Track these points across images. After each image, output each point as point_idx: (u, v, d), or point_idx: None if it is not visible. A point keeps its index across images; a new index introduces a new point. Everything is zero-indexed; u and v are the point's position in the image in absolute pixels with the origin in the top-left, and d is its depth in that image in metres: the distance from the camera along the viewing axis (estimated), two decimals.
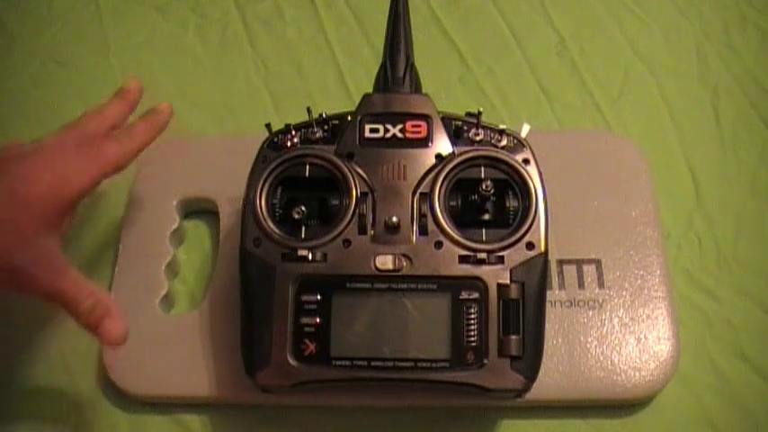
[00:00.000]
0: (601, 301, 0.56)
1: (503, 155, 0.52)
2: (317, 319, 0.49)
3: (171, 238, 0.59)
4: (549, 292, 0.55)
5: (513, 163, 0.52)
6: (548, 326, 0.53)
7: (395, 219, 0.50)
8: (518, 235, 0.50)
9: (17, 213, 0.46)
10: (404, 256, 0.49)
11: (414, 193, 0.51)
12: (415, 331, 0.48)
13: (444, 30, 0.72)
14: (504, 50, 0.71)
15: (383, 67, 0.55)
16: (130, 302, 0.56)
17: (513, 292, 0.49)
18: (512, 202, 0.51)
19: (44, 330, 0.57)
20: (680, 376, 0.54)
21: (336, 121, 0.53)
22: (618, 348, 0.54)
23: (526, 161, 0.52)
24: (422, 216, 0.50)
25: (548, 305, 0.54)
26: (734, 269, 0.59)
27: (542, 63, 0.70)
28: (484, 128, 0.53)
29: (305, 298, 0.49)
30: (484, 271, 0.49)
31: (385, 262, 0.49)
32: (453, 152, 0.51)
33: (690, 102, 0.68)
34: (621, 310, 0.55)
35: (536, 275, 0.49)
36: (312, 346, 0.48)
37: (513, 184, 0.52)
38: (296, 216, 0.50)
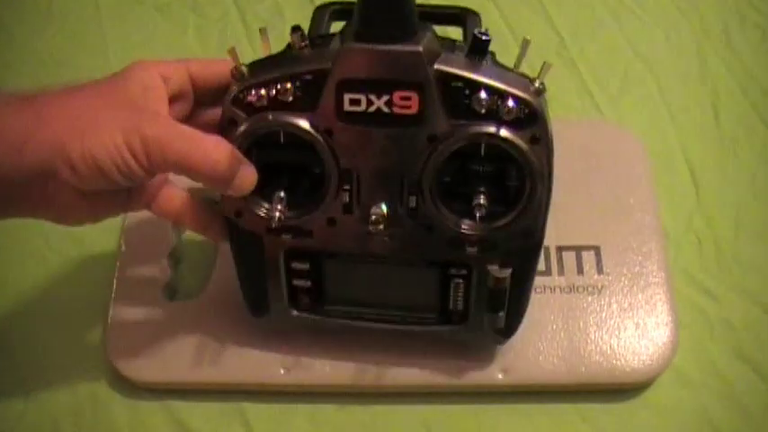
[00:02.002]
0: (600, 286, 0.56)
1: (511, 136, 0.43)
2: (309, 282, 0.50)
3: (174, 225, 0.59)
4: (548, 278, 0.56)
5: (520, 145, 0.43)
6: (547, 311, 0.55)
7: (383, 207, 0.45)
8: (516, 222, 0.45)
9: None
10: (391, 237, 0.47)
11: (402, 176, 0.45)
12: (403, 294, 0.51)
13: (444, 30, 0.72)
14: (505, 50, 0.71)
15: None
16: (134, 290, 0.56)
17: (503, 281, 0.47)
18: (513, 183, 0.45)
19: (48, 318, 0.57)
20: (679, 375, 0.54)
21: (309, 77, 0.42)
22: (617, 333, 0.54)
23: (535, 139, 0.43)
24: (411, 200, 0.45)
25: (547, 291, 0.56)
26: (734, 269, 0.59)
27: (542, 63, 0.70)
28: (490, 90, 0.42)
29: (295, 265, 0.50)
30: (474, 257, 0.47)
31: (372, 245, 0.47)
32: (450, 132, 0.43)
33: (690, 102, 0.68)
34: (620, 296, 0.56)
35: (528, 264, 0.48)
36: (307, 299, 0.51)
37: (516, 166, 0.44)
38: (277, 192, 0.46)
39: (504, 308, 0.48)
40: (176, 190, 0.48)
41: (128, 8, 0.75)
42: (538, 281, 0.56)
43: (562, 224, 0.58)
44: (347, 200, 0.46)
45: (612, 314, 0.55)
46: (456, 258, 0.48)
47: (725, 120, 0.66)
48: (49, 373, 0.55)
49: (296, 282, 0.51)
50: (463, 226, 0.46)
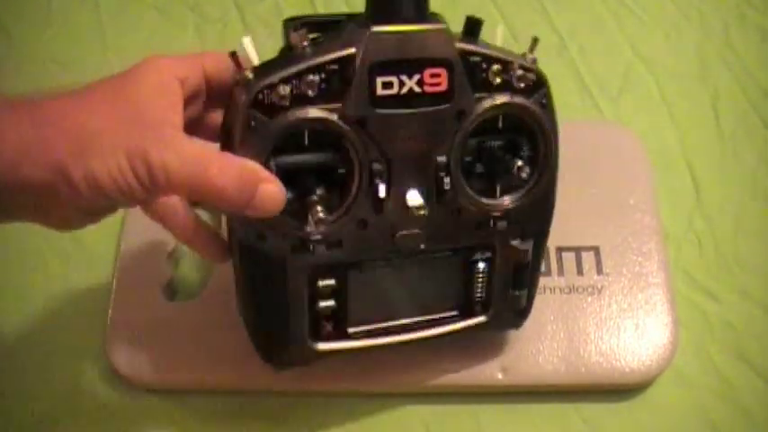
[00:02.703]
0: (599, 287, 0.56)
1: (525, 103, 0.45)
2: (333, 302, 0.47)
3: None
4: (548, 279, 0.56)
5: (535, 110, 0.45)
6: (547, 312, 0.55)
7: (417, 200, 0.44)
8: (537, 188, 0.47)
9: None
10: (422, 229, 0.46)
11: (434, 161, 0.44)
12: (427, 294, 0.50)
13: None
14: None
15: None
16: (133, 290, 0.56)
17: (526, 254, 0.48)
18: (526, 153, 0.46)
19: (48, 318, 0.57)
20: (679, 375, 0.55)
21: (335, 66, 0.41)
22: (616, 334, 0.54)
23: (543, 105, 0.46)
24: (441, 185, 0.45)
25: (547, 291, 0.56)
26: (734, 269, 0.59)
27: (542, 63, 0.70)
28: (501, 62, 0.44)
29: (321, 284, 0.46)
30: (502, 232, 0.48)
31: (405, 241, 0.45)
32: (474, 107, 0.44)
33: (690, 102, 0.68)
34: (620, 296, 0.56)
35: (544, 236, 0.50)
36: (329, 326, 0.48)
37: (528, 134, 0.46)
38: (304, 199, 0.43)
39: (528, 284, 0.50)
40: (181, 204, 0.45)
41: (127, 8, 0.75)
42: None
43: (562, 224, 0.57)
44: (382, 194, 0.43)
45: (612, 314, 0.55)
46: (482, 241, 0.48)
47: (725, 120, 0.66)
48: (48, 373, 0.55)
49: (321, 305, 0.47)
50: (487, 203, 0.46)
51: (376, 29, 0.41)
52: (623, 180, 0.61)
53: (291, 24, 0.45)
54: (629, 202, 0.60)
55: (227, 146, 0.42)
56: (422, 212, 0.44)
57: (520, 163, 0.45)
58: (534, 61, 0.45)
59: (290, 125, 0.41)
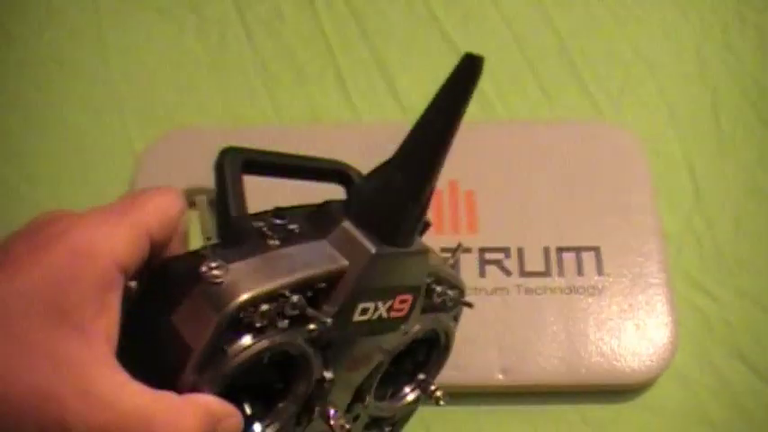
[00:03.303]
0: (600, 287, 0.56)
1: (448, 323, 0.43)
2: None
3: None
4: (548, 279, 0.56)
5: (451, 330, 0.44)
6: (547, 312, 0.55)
7: (337, 414, 0.39)
8: (423, 386, 0.45)
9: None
10: None
11: (362, 381, 0.40)
12: None
13: (444, 30, 0.72)
14: (505, 50, 0.71)
15: (398, 194, 0.35)
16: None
17: None
18: (420, 358, 0.44)
19: None
20: (679, 375, 0.55)
21: (324, 285, 0.34)
22: (617, 334, 0.54)
23: (456, 318, 0.44)
24: (368, 400, 0.42)
25: (547, 292, 0.56)
26: (734, 269, 0.59)
27: (542, 63, 0.70)
28: (446, 283, 0.41)
29: None
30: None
31: None
32: (409, 328, 0.40)
33: (690, 102, 0.68)
34: (620, 297, 0.56)
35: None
36: None
37: (431, 343, 0.44)
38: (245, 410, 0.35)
39: None
40: None
41: (127, 8, 0.75)
42: (538, 282, 0.56)
43: (562, 224, 0.58)
44: (304, 413, 0.38)
45: (613, 315, 0.55)
46: None
47: (725, 120, 0.66)
48: None
49: None
50: (388, 405, 0.44)
51: (380, 250, 0.34)
52: (623, 180, 0.61)
53: (229, 161, 0.34)
54: (628, 202, 0.60)
55: (162, 363, 0.31)
56: (348, 426, 0.39)
57: (422, 376, 0.44)
58: (452, 267, 0.43)
59: (264, 350, 0.33)
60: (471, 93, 0.33)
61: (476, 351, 0.53)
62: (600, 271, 0.57)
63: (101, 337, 0.28)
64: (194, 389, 0.31)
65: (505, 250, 0.57)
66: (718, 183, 0.63)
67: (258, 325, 0.32)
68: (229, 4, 0.75)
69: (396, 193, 0.35)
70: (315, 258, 0.34)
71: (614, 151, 0.62)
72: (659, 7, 0.73)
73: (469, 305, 0.44)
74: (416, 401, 0.45)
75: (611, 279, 0.56)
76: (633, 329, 0.54)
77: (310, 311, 0.33)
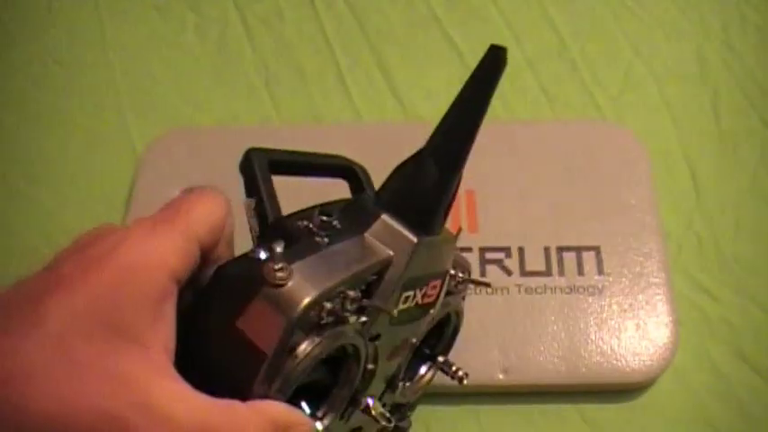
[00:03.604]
0: (600, 287, 0.56)
1: (459, 303, 0.45)
2: None
3: None
4: (548, 279, 0.56)
5: (461, 309, 0.46)
6: (547, 312, 0.55)
7: (376, 402, 0.40)
8: (442, 371, 0.47)
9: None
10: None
11: (398, 367, 0.42)
12: None
13: (444, 30, 0.72)
14: None
15: (428, 183, 0.36)
16: None
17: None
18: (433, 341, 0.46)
19: None
20: (679, 375, 0.55)
21: (374, 277, 0.35)
22: (617, 334, 0.54)
23: (464, 297, 0.46)
24: (401, 386, 0.44)
25: (547, 291, 0.56)
26: (734, 269, 0.59)
27: (542, 63, 0.70)
28: (456, 266, 0.43)
29: None
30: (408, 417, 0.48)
31: None
32: (435, 313, 0.42)
33: (690, 102, 0.68)
34: (621, 297, 0.56)
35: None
36: None
37: (447, 325, 0.46)
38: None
39: None
40: None
41: (127, 8, 0.75)
42: (538, 281, 0.56)
43: (562, 224, 0.58)
44: (355, 405, 0.39)
45: (613, 315, 0.55)
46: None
47: (725, 120, 0.66)
48: None
49: None
50: (410, 389, 0.45)
51: (421, 239, 0.36)
52: (623, 180, 0.61)
53: (256, 159, 0.37)
54: (629, 202, 0.60)
55: (225, 369, 0.31)
56: (387, 414, 0.40)
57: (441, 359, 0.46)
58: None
59: (332, 348, 0.33)
60: (497, 83, 0.35)
61: (476, 350, 0.53)
62: (600, 270, 0.57)
63: (158, 349, 0.28)
64: (264, 395, 0.31)
65: (506, 250, 0.57)
66: (718, 182, 0.63)
67: (323, 323, 0.32)
68: (229, 3, 0.75)
69: (431, 185, 0.36)
70: (363, 252, 0.35)
71: (615, 151, 0.62)
72: (659, 7, 0.73)
73: (487, 284, 0.47)
74: (430, 381, 0.47)
75: (611, 279, 0.57)
76: (633, 329, 0.54)
77: (376, 304, 0.34)
